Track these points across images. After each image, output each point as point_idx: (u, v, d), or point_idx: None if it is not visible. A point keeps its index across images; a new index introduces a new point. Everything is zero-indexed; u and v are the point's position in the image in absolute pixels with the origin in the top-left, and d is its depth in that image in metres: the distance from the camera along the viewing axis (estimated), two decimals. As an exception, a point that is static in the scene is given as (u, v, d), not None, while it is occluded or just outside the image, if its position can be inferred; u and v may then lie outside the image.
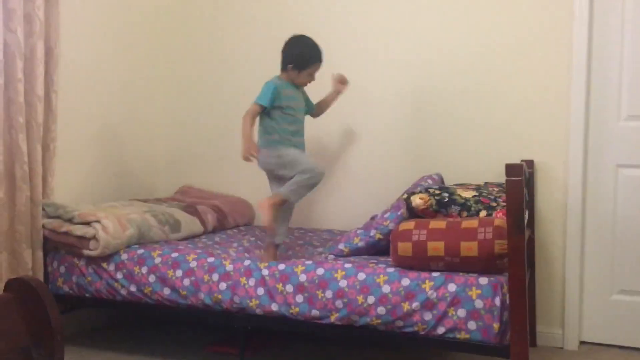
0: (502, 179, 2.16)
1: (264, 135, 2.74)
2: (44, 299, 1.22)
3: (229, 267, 2.53)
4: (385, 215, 2.66)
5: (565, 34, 2.96)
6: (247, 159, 2.62)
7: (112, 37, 3.43)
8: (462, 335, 2.18)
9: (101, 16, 3.35)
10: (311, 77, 2.79)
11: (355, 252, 2.67)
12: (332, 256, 2.68)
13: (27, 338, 1.22)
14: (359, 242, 2.67)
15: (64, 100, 3.01)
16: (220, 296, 2.51)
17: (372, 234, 2.65)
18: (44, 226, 2.79)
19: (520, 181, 2.05)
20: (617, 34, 2.93)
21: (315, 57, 2.75)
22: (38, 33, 2.74)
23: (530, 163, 2.97)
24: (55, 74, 2.88)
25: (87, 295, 2.76)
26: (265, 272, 2.47)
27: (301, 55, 2.73)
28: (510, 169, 2.06)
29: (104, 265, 2.71)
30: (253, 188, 3.61)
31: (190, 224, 3.10)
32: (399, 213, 2.61)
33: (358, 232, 2.71)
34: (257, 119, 2.73)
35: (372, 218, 2.82)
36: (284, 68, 2.76)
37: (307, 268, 2.42)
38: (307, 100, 2.91)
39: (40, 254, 2.78)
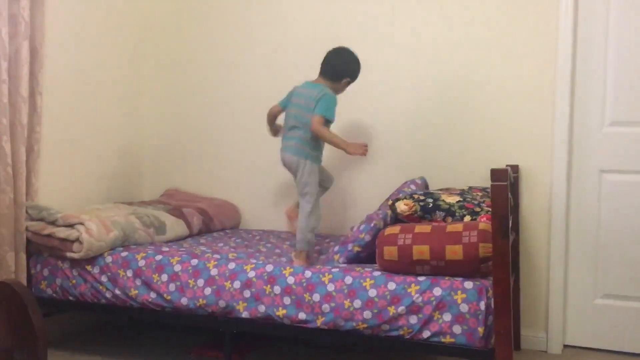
0: (486, 183, 2.17)
1: (305, 147, 2.72)
2: (27, 303, 1.21)
3: (214, 271, 2.52)
4: (360, 228, 2.61)
5: (550, 40, 2.99)
6: (364, 152, 2.70)
7: (98, 38, 3.41)
8: (447, 339, 2.19)
9: (87, 17, 3.33)
10: None
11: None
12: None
13: (9, 341, 1.21)
14: (339, 259, 2.60)
15: (48, 102, 2.99)
16: (204, 301, 2.51)
17: (350, 248, 2.59)
18: (27, 228, 2.76)
19: (506, 186, 2.07)
20: (601, 40, 2.97)
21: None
22: (23, 34, 2.72)
23: (515, 168, 2.99)
24: (40, 74, 2.85)
25: (71, 298, 2.74)
26: (252, 274, 2.46)
27: (356, 71, 2.86)
28: (496, 174, 2.07)
29: (88, 268, 2.69)
30: (239, 191, 3.61)
31: (175, 226, 3.09)
32: (372, 224, 2.59)
33: (336, 249, 2.64)
34: (303, 127, 2.72)
35: (351, 229, 2.79)
36: (336, 79, 2.80)
37: (295, 270, 2.42)
38: None
39: (23, 256, 2.75)
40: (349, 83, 2.86)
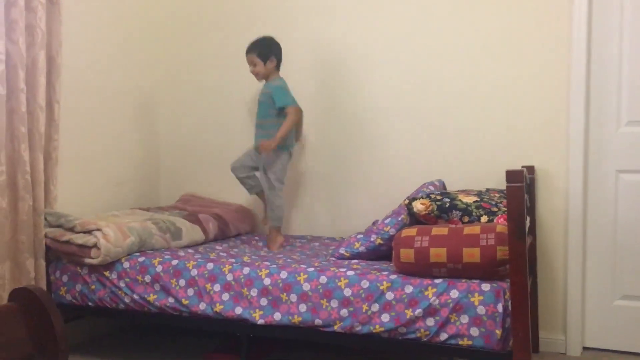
0: (503, 185, 2.16)
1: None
2: (48, 308, 1.23)
3: (229, 276, 2.53)
4: (386, 221, 2.67)
5: (565, 40, 2.97)
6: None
7: (114, 46, 3.45)
8: (465, 342, 2.18)
9: (103, 25, 3.37)
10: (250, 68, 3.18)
11: (356, 256, 2.69)
12: (333, 258, 2.70)
13: (31, 347, 1.22)
14: (359, 247, 2.69)
15: (65, 110, 3.02)
16: (222, 307, 2.52)
17: (372, 239, 2.67)
18: (46, 235, 2.79)
19: (521, 187, 2.06)
20: (616, 40, 2.94)
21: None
22: (40, 43, 2.75)
23: (531, 169, 2.97)
24: (57, 83, 2.89)
25: (90, 304, 2.76)
26: (268, 281, 2.47)
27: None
28: (511, 175, 2.06)
29: (106, 273, 2.71)
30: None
31: (191, 231, 3.10)
32: (400, 219, 2.63)
33: (359, 237, 2.72)
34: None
35: (374, 223, 2.83)
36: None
37: (310, 276, 2.42)
38: (268, 94, 3.14)
39: (42, 263, 2.78)
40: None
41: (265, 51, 3.11)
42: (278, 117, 3.09)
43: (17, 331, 1.22)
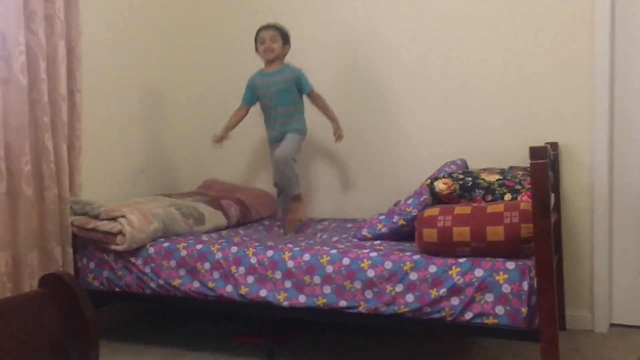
0: (526, 162, 2.14)
1: None
2: (77, 294, 1.24)
3: (253, 259, 2.55)
4: (408, 202, 2.66)
5: (588, 14, 2.91)
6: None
7: (132, 35, 3.46)
8: (490, 320, 2.17)
9: (121, 14, 3.38)
10: (263, 45, 3.06)
11: (379, 237, 2.68)
12: (355, 240, 2.69)
13: (62, 332, 1.24)
14: (382, 228, 2.68)
15: (87, 99, 3.05)
16: (247, 289, 2.53)
17: (395, 220, 2.65)
18: (72, 223, 2.83)
19: (545, 164, 2.03)
20: (641, 10, 2.87)
21: (257, 31, 3.09)
22: (59, 33, 2.77)
23: (554, 145, 2.93)
24: (77, 72, 2.91)
25: (117, 289, 2.80)
26: (291, 263, 2.48)
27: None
28: (535, 152, 2.03)
29: (132, 259, 2.75)
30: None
31: (214, 217, 3.13)
32: (422, 199, 2.61)
33: (381, 218, 2.72)
34: None
35: (396, 204, 2.82)
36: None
37: (332, 258, 2.42)
38: (292, 80, 3.06)
39: (69, 250, 2.83)
40: (257, 51, 3.13)
41: (286, 35, 3.11)
42: (299, 103, 3.10)
43: (47, 317, 1.24)
